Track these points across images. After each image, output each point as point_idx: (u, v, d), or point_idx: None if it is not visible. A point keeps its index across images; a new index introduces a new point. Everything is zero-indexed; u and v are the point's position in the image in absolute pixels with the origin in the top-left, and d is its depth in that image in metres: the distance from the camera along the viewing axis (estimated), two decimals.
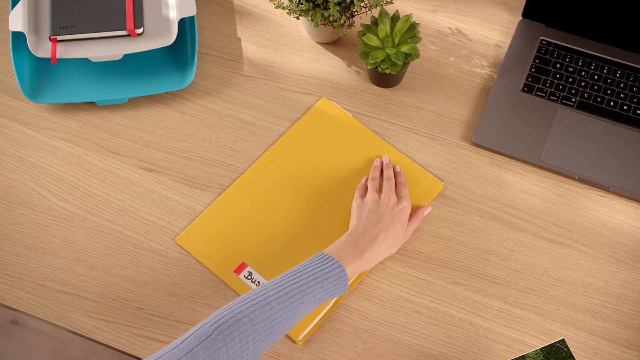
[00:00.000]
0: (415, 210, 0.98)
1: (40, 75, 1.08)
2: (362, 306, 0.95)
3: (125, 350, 0.91)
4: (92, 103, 1.08)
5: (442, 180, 1.02)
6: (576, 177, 1.02)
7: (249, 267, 0.95)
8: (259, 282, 0.94)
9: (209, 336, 0.70)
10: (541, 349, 0.84)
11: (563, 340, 0.84)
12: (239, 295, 0.94)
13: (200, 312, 0.94)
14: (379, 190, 0.97)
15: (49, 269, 0.97)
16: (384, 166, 1.01)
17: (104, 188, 1.02)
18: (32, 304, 0.94)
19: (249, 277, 0.95)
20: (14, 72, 1.07)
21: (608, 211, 1.00)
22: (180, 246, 0.98)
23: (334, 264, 0.84)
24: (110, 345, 0.92)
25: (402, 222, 0.94)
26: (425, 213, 0.98)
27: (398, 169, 1.01)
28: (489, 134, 1.04)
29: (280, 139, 1.05)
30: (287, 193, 1.00)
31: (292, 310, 0.78)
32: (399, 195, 0.97)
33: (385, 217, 0.93)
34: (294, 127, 1.06)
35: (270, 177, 1.02)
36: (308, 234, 0.96)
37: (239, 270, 0.95)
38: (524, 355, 0.84)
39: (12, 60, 1.08)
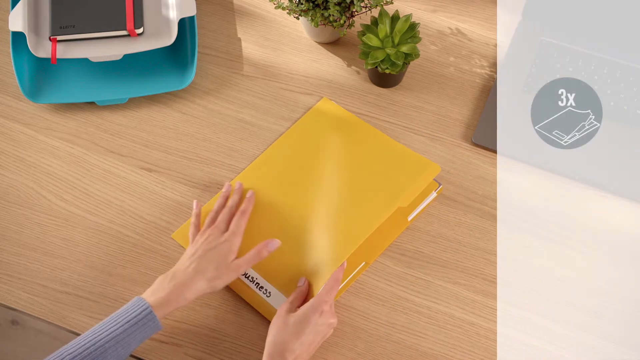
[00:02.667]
0: (258, 246, 0.92)
1: (40, 75, 1.08)
2: (362, 306, 0.94)
3: None
4: (92, 103, 1.08)
5: (440, 183, 1.01)
6: (576, 177, 1.02)
7: None
8: (252, 278, 0.94)
9: None
10: None
11: None
12: (236, 292, 0.94)
13: (201, 313, 0.94)
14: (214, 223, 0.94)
15: (49, 269, 0.97)
16: (233, 192, 0.97)
17: (104, 188, 1.02)
18: (32, 304, 0.94)
19: (244, 274, 0.95)
20: (14, 72, 1.07)
21: (608, 211, 1.00)
22: (180, 245, 0.98)
23: (141, 307, 0.83)
24: None
25: (218, 254, 0.88)
26: (272, 246, 0.92)
27: (249, 194, 0.97)
28: (489, 134, 1.04)
29: (279, 138, 1.05)
30: (285, 191, 1.00)
31: None
32: (229, 228, 0.92)
33: (200, 249, 0.89)
34: (294, 127, 1.06)
35: (269, 175, 1.01)
36: (305, 232, 0.96)
37: None
38: None
39: (12, 60, 1.08)
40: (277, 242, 0.92)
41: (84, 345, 0.80)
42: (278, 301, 0.92)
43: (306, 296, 0.91)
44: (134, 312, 0.83)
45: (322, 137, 1.04)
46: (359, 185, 0.99)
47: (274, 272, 0.94)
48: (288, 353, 0.82)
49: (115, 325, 0.82)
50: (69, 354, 0.79)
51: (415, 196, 0.96)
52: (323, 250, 0.95)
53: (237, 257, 0.90)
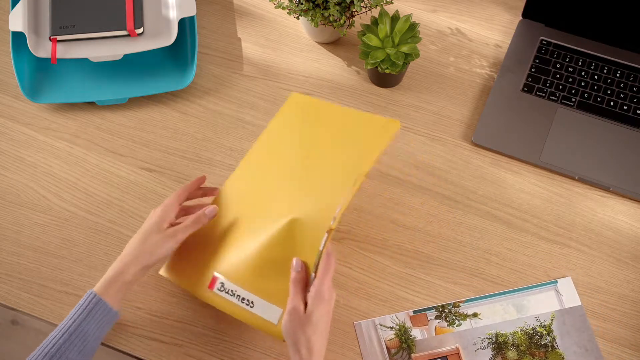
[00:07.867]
0: None
1: (40, 75, 1.08)
2: (362, 306, 0.95)
3: (125, 350, 0.91)
4: (92, 103, 1.09)
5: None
6: (576, 177, 1.02)
7: (220, 278, 0.89)
8: (232, 291, 0.88)
9: None
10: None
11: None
12: (222, 311, 0.90)
13: (201, 312, 0.94)
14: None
15: (49, 269, 0.97)
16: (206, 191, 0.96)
17: (104, 188, 1.02)
18: (32, 304, 0.94)
19: (223, 289, 0.88)
20: (14, 72, 1.07)
21: (608, 211, 1.00)
22: (170, 281, 0.97)
23: (87, 296, 0.84)
24: (110, 345, 0.92)
25: (151, 223, 0.89)
26: (210, 212, 0.91)
27: (210, 210, 0.91)
28: (489, 134, 1.04)
29: (251, 149, 0.98)
30: (263, 200, 0.92)
31: None
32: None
33: (142, 227, 0.90)
34: (262, 135, 0.98)
35: (240, 190, 0.95)
36: (281, 245, 0.88)
37: (212, 285, 0.89)
38: None
39: (12, 60, 1.08)
40: (213, 208, 0.91)
41: (43, 350, 0.81)
42: (262, 310, 0.86)
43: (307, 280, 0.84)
44: (81, 303, 0.84)
45: (295, 141, 0.95)
46: (317, 167, 0.90)
47: (252, 280, 0.87)
48: (302, 347, 0.79)
49: (66, 321, 0.83)
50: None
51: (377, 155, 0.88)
52: (301, 241, 0.86)
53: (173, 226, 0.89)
